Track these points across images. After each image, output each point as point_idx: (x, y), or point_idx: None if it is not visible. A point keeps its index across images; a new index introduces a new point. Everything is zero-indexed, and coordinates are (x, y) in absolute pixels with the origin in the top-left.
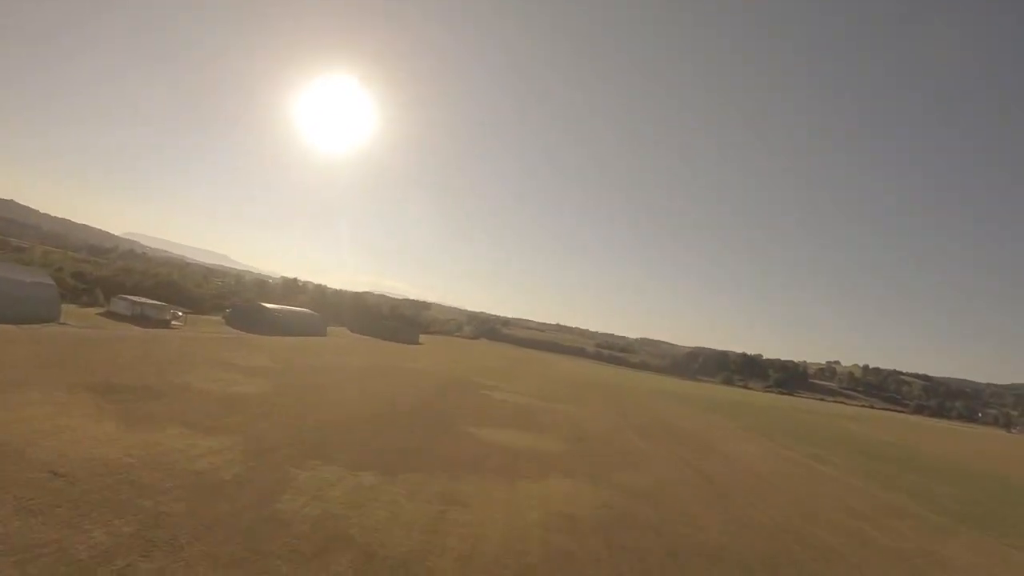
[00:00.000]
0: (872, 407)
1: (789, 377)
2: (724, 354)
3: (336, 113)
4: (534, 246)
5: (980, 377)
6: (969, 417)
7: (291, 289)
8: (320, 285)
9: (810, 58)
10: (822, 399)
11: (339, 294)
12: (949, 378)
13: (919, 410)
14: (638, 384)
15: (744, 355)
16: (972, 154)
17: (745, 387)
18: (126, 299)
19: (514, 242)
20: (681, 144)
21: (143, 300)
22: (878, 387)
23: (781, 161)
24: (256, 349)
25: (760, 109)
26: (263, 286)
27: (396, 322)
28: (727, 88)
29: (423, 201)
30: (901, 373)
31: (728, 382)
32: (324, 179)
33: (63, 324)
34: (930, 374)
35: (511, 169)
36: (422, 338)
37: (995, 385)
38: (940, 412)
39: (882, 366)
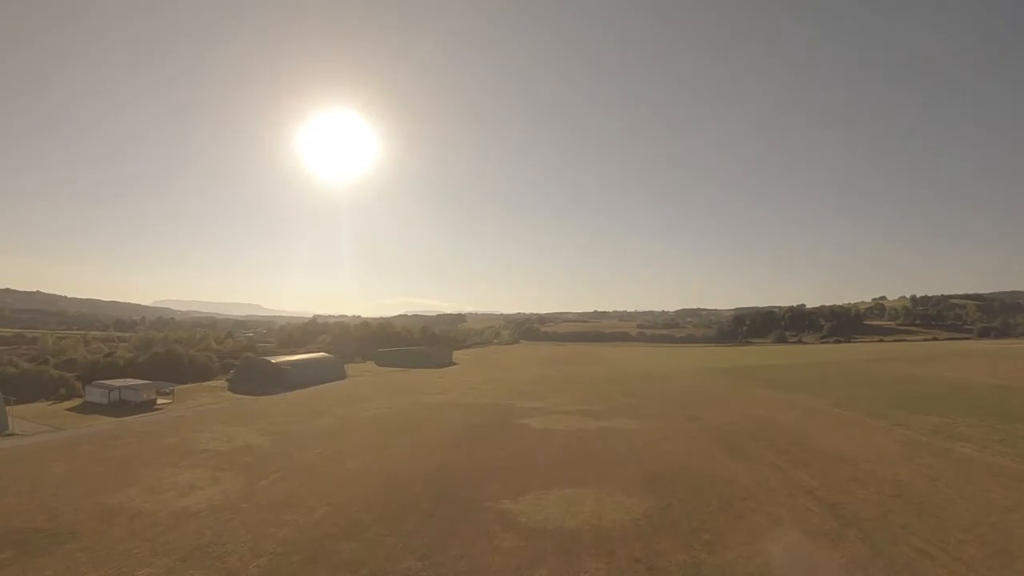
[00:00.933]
0: (936, 339)
1: (842, 324)
2: (771, 312)
3: (342, 143)
4: (557, 239)
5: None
6: None
7: (311, 332)
8: (343, 320)
9: None
10: (882, 340)
11: (365, 326)
12: (998, 292)
13: (984, 334)
14: (693, 364)
15: (791, 309)
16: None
17: (799, 342)
18: (101, 385)
19: (538, 239)
20: (690, 94)
21: (121, 383)
22: (935, 317)
23: (788, 105)
24: (250, 419)
25: (772, 40)
26: (284, 332)
27: (426, 345)
28: (734, 32)
29: (443, 216)
30: (950, 297)
31: (781, 340)
32: (342, 211)
33: (10, 435)
34: (979, 292)
35: (523, 170)
36: (456, 355)
37: None
38: (1005, 332)
39: (929, 293)
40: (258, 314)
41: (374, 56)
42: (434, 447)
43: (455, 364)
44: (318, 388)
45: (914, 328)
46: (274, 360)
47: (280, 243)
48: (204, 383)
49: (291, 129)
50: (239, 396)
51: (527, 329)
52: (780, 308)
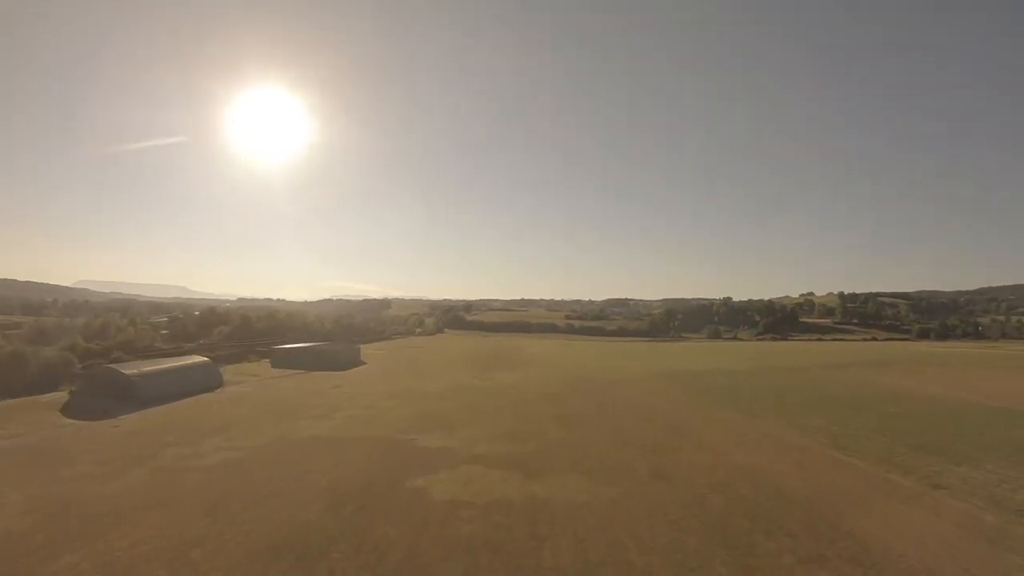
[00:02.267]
0: (875, 339)
1: (777, 320)
2: (703, 306)
3: (273, 123)
4: (486, 224)
5: (945, 286)
6: (975, 334)
7: (209, 322)
8: (246, 310)
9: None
10: (820, 339)
11: (269, 316)
12: (922, 291)
13: (923, 335)
14: (633, 365)
15: (725, 303)
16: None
17: (735, 338)
18: None
19: (466, 224)
20: (622, 84)
21: None
22: (873, 316)
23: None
24: (32, 473)
25: (707, 42)
26: (178, 323)
27: (336, 339)
28: (668, 26)
29: (374, 199)
30: (879, 295)
31: (715, 336)
32: (274, 193)
33: None
34: (905, 291)
35: (453, 154)
36: (371, 350)
37: (964, 292)
38: (944, 334)
39: (856, 291)
40: (184, 296)
41: (308, 32)
42: (259, 555)
43: (364, 364)
44: (176, 405)
45: (851, 327)
46: (125, 371)
47: (210, 224)
48: (44, 396)
49: (220, 106)
50: (67, 421)
51: (452, 317)
52: (713, 301)
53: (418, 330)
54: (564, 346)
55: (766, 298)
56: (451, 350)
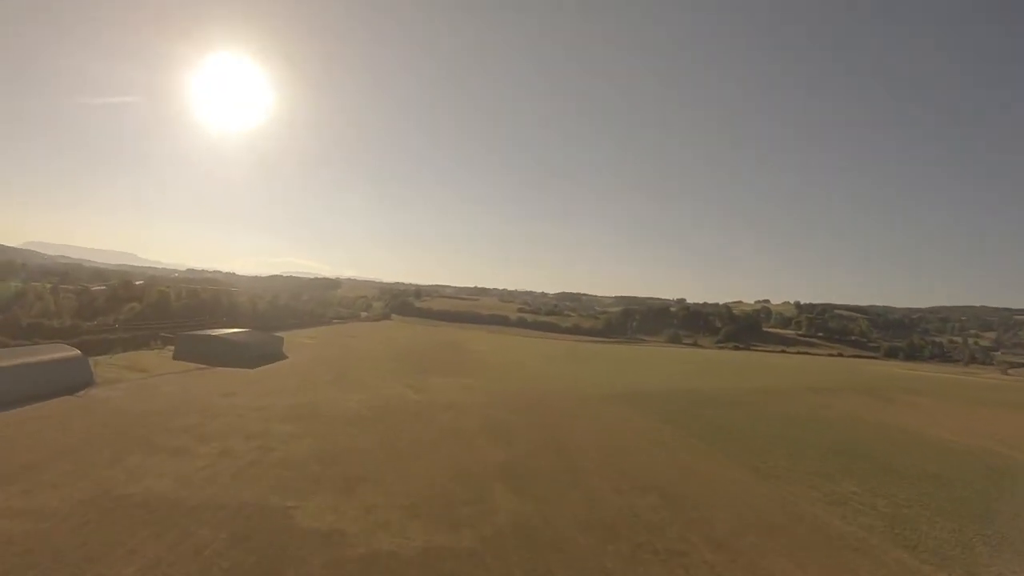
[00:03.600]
0: (842, 355)
1: (740, 329)
2: (663, 308)
3: (233, 92)
4: (443, 209)
5: (894, 302)
6: (942, 356)
7: (122, 297)
8: (165, 285)
9: None
10: (784, 351)
11: (193, 294)
12: (874, 305)
13: (892, 354)
14: (597, 378)
15: (686, 308)
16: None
17: (695, 344)
18: None
19: (424, 207)
20: (584, 74)
21: None
22: (839, 331)
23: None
24: None
25: (667, 40)
26: (86, 295)
27: (261, 326)
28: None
29: (333, 177)
30: (835, 307)
31: (675, 340)
32: (234, 163)
33: None
34: (859, 304)
35: (418, 137)
36: (300, 339)
37: (916, 309)
38: (912, 354)
39: (812, 300)
40: (132, 264)
41: (280, 4)
42: None
43: (284, 359)
44: (7, 416)
45: (816, 340)
46: None
47: (164, 191)
48: None
49: (183, 68)
50: None
51: (401, 303)
52: (672, 303)
53: (364, 314)
54: (516, 345)
55: (721, 302)
56: (391, 342)
